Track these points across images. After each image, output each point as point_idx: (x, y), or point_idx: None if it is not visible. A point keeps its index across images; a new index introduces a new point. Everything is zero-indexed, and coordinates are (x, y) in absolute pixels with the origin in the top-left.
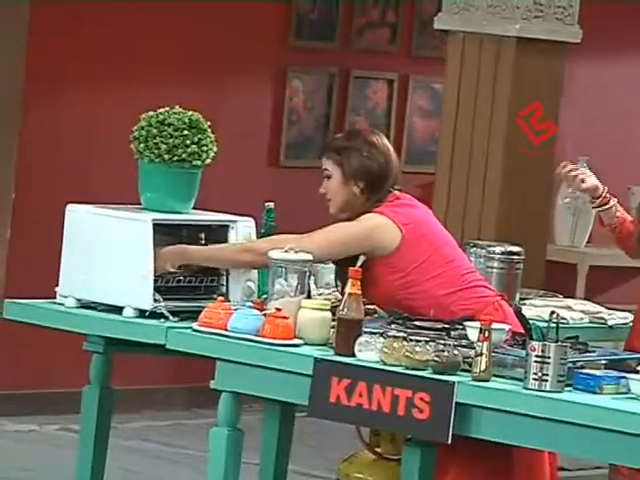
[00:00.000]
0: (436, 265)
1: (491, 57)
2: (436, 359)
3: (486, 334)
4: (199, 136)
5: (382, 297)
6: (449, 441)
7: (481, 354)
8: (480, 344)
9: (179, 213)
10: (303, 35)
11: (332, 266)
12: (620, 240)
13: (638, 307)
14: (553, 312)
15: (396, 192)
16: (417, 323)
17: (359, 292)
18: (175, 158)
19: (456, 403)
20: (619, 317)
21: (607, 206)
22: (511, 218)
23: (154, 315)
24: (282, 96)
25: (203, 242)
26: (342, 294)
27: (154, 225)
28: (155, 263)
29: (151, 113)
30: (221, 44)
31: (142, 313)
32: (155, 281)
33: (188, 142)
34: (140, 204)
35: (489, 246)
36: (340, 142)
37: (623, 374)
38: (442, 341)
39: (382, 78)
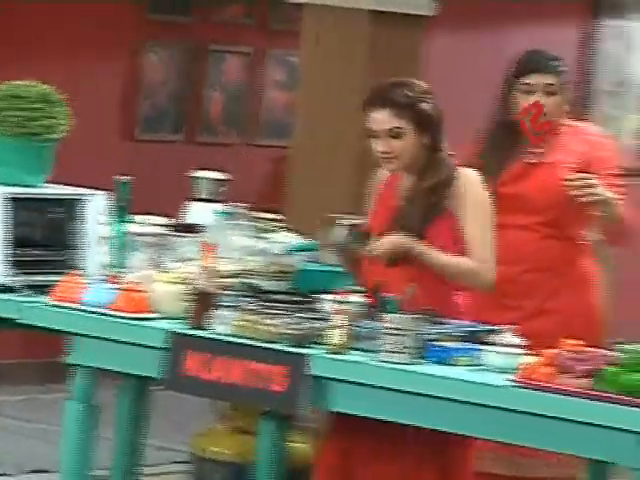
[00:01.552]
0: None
1: (346, 30)
2: (292, 332)
3: (341, 307)
4: (52, 109)
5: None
6: (305, 414)
7: (336, 327)
8: (336, 317)
9: (33, 187)
10: (159, 9)
11: (187, 240)
12: None
13: None
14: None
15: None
16: (272, 296)
17: (214, 265)
18: (27, 131)
19: (312, 376)
20: None
21: None
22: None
23: (8, 289)
24: (138, 70)
25: (61, 216)
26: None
27: (7, 199)
28: (383, 247)
29: (2, 86)
30: (77, 16)
31: None
32: (9, 255)
33: (40, 115)
34: None
35: (342, 219)
36: (402, 96)
37: (476, 346)
38: (298, 314)
39: (238, 52)
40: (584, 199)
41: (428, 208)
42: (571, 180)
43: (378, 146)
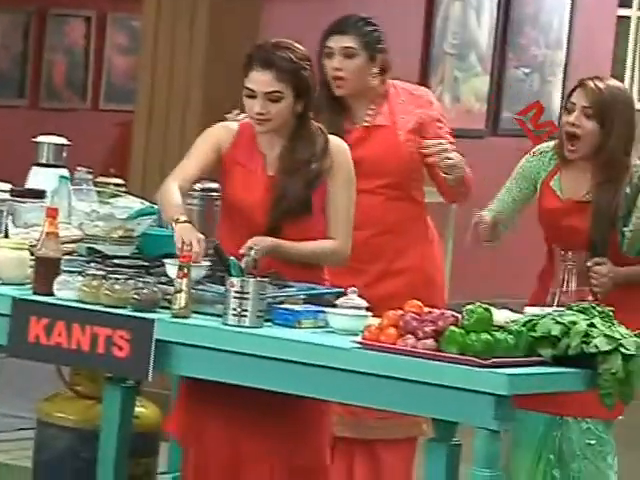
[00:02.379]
0: None
1: None
2: (135, 297)
3: (185, 271)
4: None
5: (316, 230)
6: (149, 378)
7: (180, 291)
8: (179, 281)
9: None
10: None
11: (30, 205)
12: None
13: None
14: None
15: None
16: (116, 261)
17: (57, 231)
18: None
19: (156, 340)
20: None
21: None
22: None
23: None
24: None
25: None
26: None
27: None
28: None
29: None
30: None
31: None
32: None
33: None
34: None
35: None
36: (286, 61)
37: (321, 308)
38: (141, 278)
39: (80, 16)
40: (441, 164)
41: (311, 179)
42: (428, 146)
43: (255, 107)
